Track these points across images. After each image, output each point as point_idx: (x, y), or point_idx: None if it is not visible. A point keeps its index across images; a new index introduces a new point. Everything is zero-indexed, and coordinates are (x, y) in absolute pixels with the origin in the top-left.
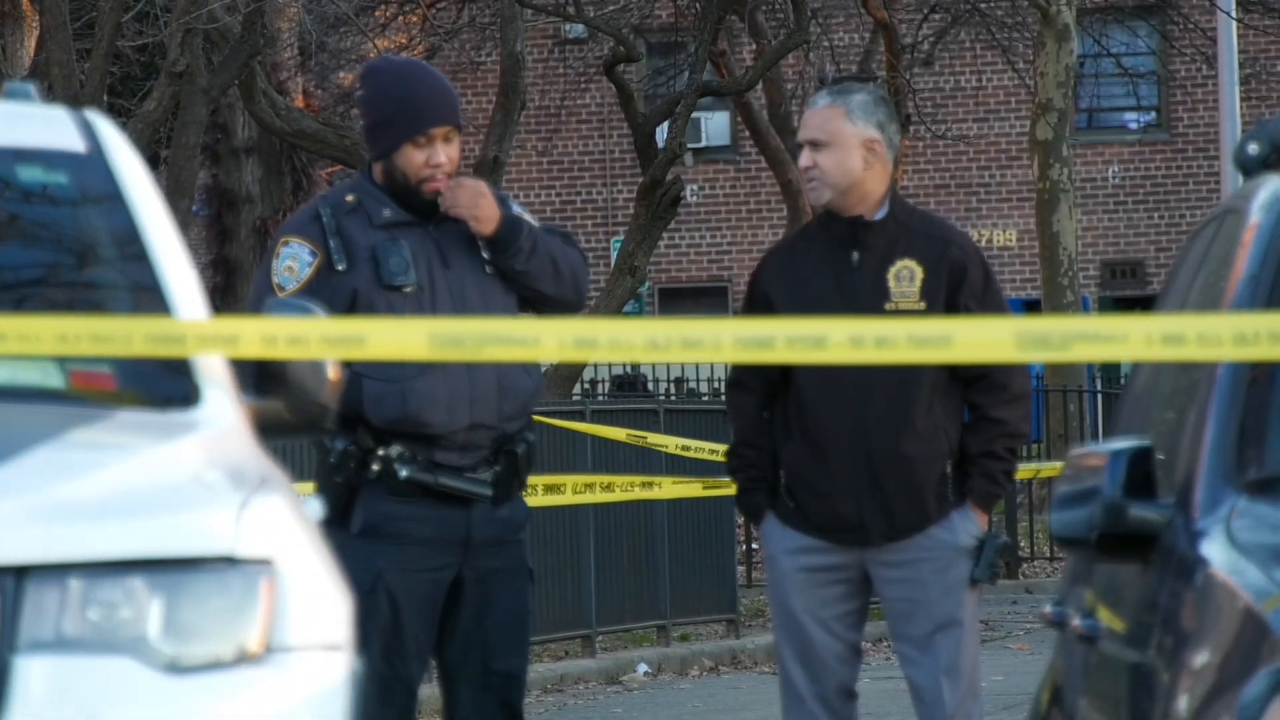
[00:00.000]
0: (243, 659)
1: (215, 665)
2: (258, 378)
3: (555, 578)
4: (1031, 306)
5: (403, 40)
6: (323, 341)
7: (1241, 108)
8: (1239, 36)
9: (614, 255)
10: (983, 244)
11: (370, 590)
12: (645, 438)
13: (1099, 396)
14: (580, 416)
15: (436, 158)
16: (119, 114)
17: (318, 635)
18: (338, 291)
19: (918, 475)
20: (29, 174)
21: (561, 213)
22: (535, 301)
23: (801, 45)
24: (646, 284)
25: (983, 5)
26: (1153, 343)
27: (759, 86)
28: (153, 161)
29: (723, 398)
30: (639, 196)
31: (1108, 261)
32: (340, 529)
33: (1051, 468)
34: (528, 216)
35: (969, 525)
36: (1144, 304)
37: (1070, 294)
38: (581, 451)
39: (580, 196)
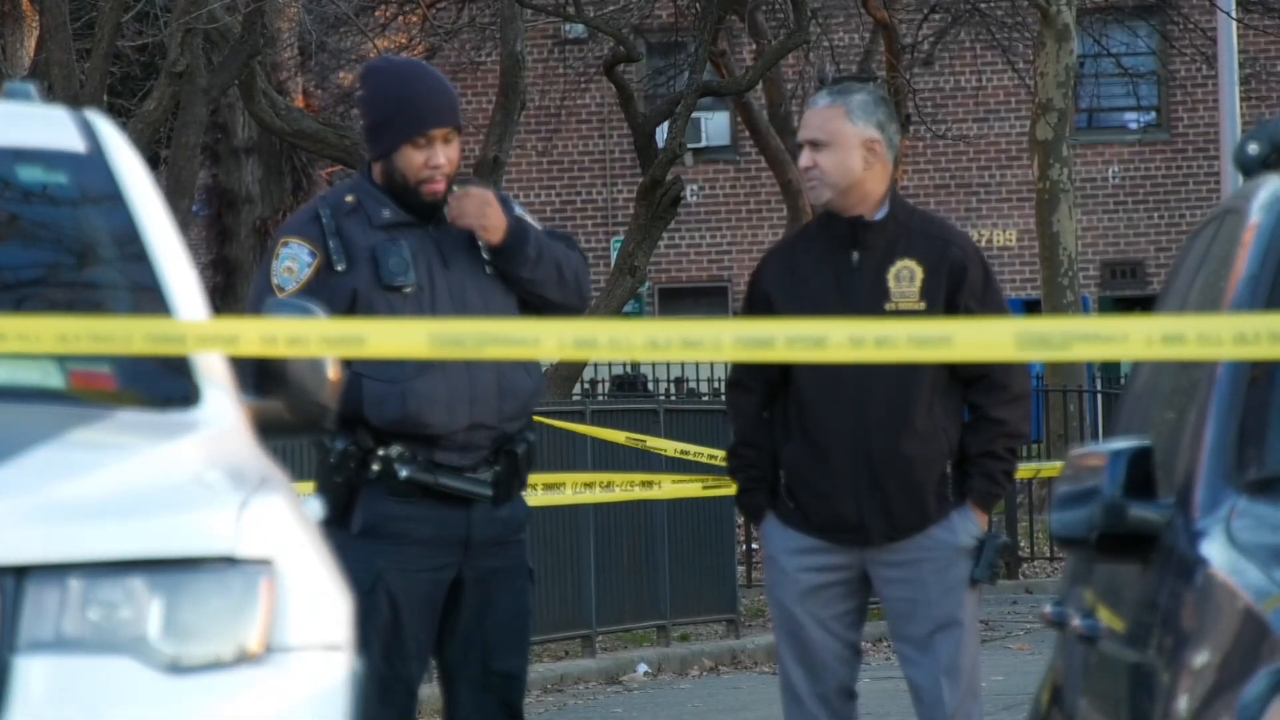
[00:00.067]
0: (243, 659)
1: (215, 665)
2: (258, 378)
3: (555, 578)
4: (1031, 306)
5: (403, 40)
6: (323, 341)
7: (1241, 108)
8: (1239, 36)
9: (614, 255)
10: (983, 244)
11: (370, 590)
12: (644, 441)
13: (1099, 396)
14: (580, 416)
15: (436, 159)
16: (119, 114)
17: (318, 635)
18: (337, 292)
19: (918, 475)
20: (29, 174)
21: (561, 213)
22: (538, 306)
23: (801, 45)
24: (646, 284)
25: (983, 5)
26: (1153, 343)
27: (759, 86)
28: (153, 161)
29: (723, 398)
30: (639, 196)
31: (1108, 261)
32: (340, 529)
33: (1051, 468)
34: (530, 219)
35: (969, 525)
36: (1144, 304)
37: (1070, 294)
38: (581, 451)
39: (580, 196)
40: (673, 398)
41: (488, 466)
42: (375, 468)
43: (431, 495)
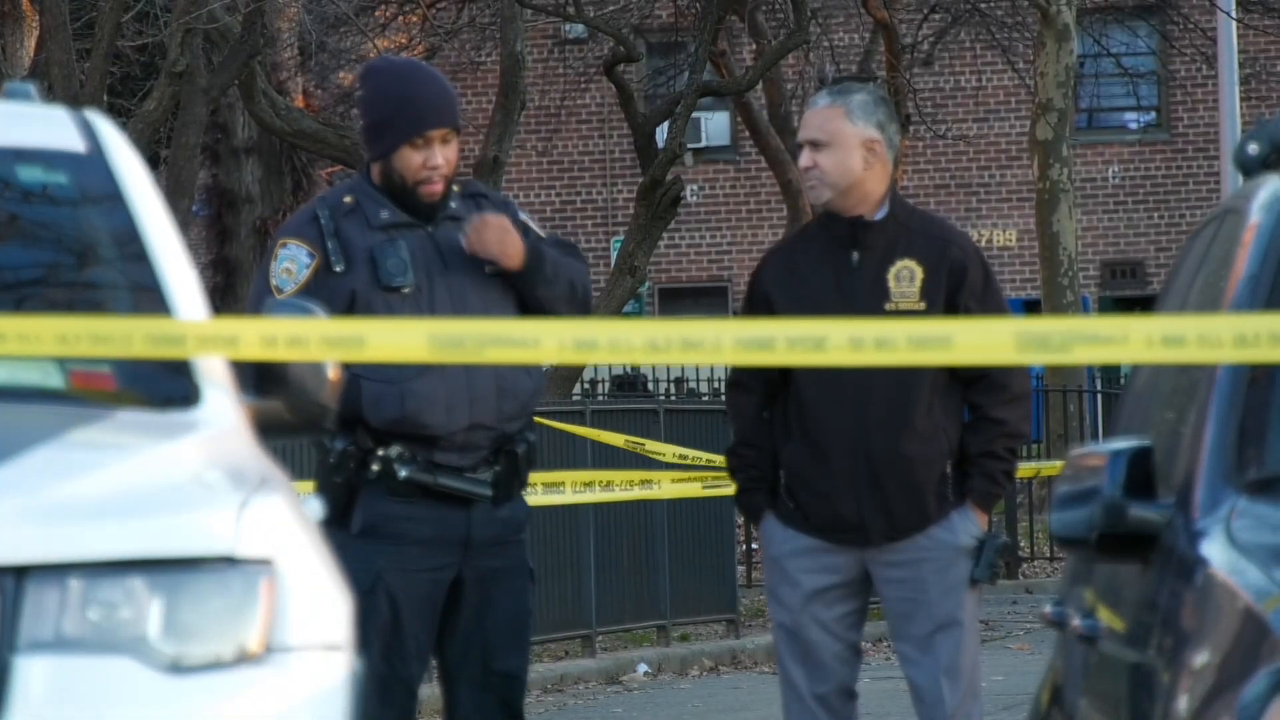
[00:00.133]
0: (243, 659)
1: (215, 665)
2: (258, 378)
3: (555, 578)
4: (1031, 306)
5: (403, 40)
6: (322, 342)
7: (1241, 108)
8: (1239, 36)
9: (614, 255)
10: (983, 244)
11: (370, 590)
12: (643, 444)
13: (1099, 396)
14: (580, 417)
15: (434, 159)
16: (119, 114)
17: (318, 635)
18: (336, 293)
19: (918, 475)
20: (29, 174)
21: (561, 213)
22: (540, 311)
23: (801, 45)
24: (646, 284)
25: (983, 5)
26: (1153, 344)
27: (759, 86)
28: (153, 161)
29: (723, 398)
30: (639, 196)
31: (1108, 261)
32: (340, 529)
33: (1051, 468)
34: (532, 223)
35: (969, 525)
36: (1144, 304)
37: (1070, 294)
38: (581, 451)
39: (580, 196)
40: (673, 398)
41: (487, 466)
42: (375, 468)
43: (431, 495)
